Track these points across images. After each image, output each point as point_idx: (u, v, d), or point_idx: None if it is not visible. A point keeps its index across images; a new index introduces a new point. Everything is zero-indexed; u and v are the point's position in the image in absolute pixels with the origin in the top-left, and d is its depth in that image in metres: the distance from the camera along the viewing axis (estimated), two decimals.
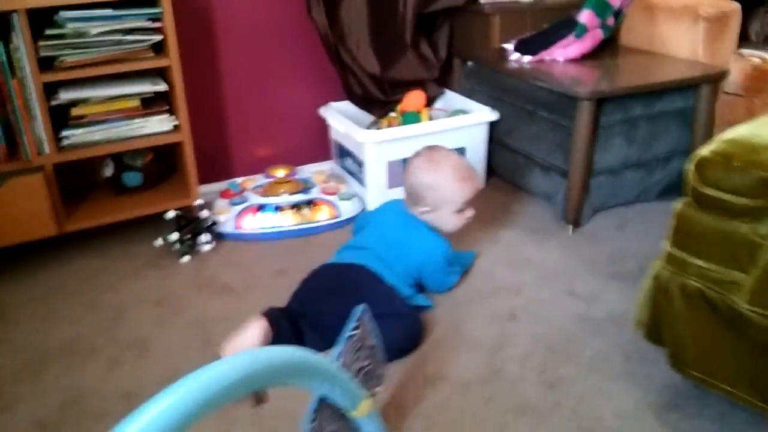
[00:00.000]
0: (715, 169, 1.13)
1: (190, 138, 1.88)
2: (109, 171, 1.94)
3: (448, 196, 1.60)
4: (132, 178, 1.94)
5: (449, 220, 1.63)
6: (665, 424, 1.25)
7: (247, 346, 1.34)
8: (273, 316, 1.42)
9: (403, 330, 1.45)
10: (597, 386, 1.36)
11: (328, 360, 0.94)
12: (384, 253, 1.59)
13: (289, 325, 1.42)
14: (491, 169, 2.32)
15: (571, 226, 1.96)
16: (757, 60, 2.15)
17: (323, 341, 1.39)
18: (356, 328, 1.11)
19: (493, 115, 2.17)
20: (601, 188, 2.00)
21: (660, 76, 1.97)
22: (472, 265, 1.80)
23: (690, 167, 1.19)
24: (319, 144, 2.41)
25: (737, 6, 2.08)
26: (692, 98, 1.99)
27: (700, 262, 1.18)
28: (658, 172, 2.07)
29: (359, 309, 1.13)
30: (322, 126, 2.36)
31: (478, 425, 1.27)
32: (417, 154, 1.66)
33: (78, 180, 2.01)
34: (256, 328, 1.37)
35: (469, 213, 1.65)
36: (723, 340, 1.17)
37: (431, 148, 1.65)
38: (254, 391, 0.76)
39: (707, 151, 1.17)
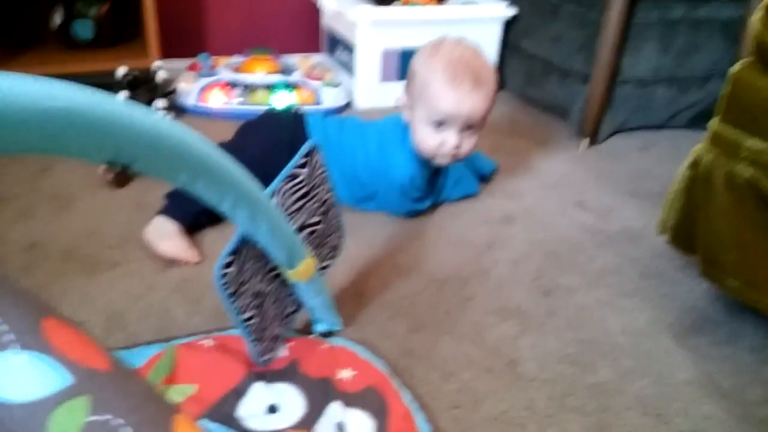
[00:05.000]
0: None
1: None
2: (57, 19, 1.66)
3: (425, 93, 1.23)
4: (83, 28, 1.66)
5: (421, 130, 1.25)
6: (686, 347, 0.99)
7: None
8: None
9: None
10: (602, 299, 1.10)
11: (243, 172, 0.66)
12: (338, 129, 1.32)
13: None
14: (501, 81, 2.04)
15: (586, 141, 1.69)
16: None
17: None
18: (302, 165, 0.85)
19: (509, 11, 1.88)
20: (627, 102, 1.72)
21: None
22: (490, 178, 1.50)
23: (756, 15, 0.92)
24: (309, 33, 2.13)
25: None
26: (743, 8, 1.70)
27: (758, 143, 0.91)
28: (693, 93, 1.78)
29: (308, 144, 0.86)
30: (314, 13, 2.07)
31: (452, 323, 1.01)
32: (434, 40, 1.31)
33: (24, 29, 1.75)
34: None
35: (451, 140, 1.24)
36: None
37: (452, 39, 1.29)
38: (114, 162, 0.49)
39: None
